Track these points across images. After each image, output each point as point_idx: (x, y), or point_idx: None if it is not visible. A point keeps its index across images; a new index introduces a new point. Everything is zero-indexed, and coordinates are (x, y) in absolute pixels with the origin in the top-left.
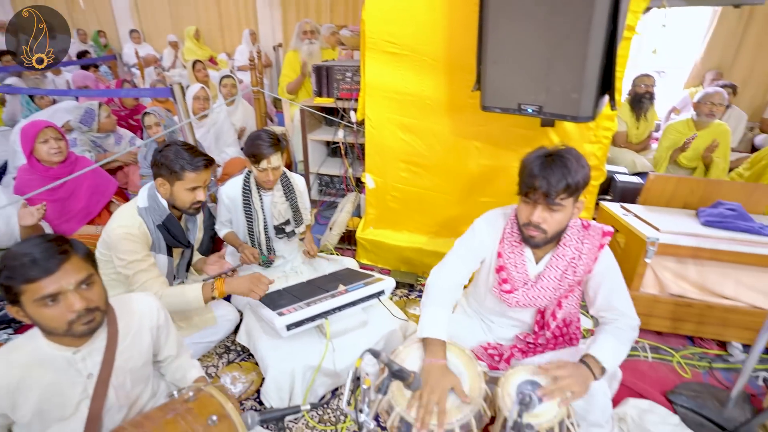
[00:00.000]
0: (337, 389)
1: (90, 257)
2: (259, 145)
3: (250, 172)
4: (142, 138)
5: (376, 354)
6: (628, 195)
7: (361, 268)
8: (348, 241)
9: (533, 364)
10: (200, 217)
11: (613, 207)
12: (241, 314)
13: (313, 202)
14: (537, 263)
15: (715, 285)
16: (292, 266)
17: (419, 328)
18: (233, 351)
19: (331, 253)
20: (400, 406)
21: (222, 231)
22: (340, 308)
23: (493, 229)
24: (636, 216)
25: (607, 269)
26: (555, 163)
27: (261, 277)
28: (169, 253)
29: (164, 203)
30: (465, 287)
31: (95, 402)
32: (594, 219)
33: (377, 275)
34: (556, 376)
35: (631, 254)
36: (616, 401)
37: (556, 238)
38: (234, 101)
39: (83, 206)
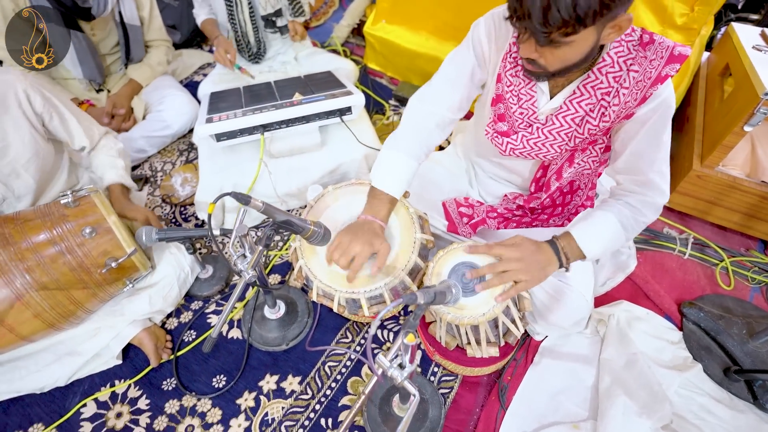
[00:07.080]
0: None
1: None
2: None
3: None
4: None
5: (242, 199)
6: None
7: (367, 73)
8: (363, 35)
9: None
10: None
11: (748, 33)
12: None
13: None
14: (551, 97)
15: None
16: (282, 61)
17: (371, 173)
18: (195, 150)
19: (335, 50)
20: (304, 258)
21: (199, 17)
22: (286, 123)
23: (497, 36)
24: None
25: (656, 115)
26: None
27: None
28: (72, 26)
29: None
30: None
31: None
32: (711, 49)
33: (350, 88)
34: (501, 256)
35: (729, 112)
36: (611, 298)
37: (580, 67)
38: None
39: None
